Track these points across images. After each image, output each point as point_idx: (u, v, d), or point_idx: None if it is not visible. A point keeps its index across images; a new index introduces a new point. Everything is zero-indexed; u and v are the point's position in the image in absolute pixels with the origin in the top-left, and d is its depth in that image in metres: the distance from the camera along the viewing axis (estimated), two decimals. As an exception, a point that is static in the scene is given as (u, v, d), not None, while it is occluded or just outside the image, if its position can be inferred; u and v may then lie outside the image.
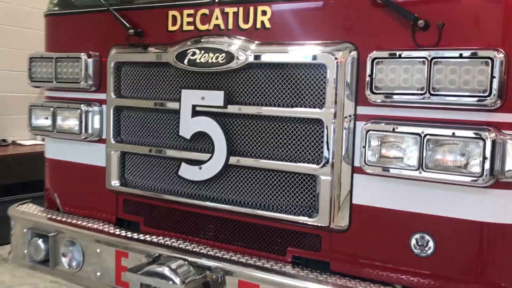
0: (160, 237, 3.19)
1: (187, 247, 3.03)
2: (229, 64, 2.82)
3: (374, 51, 2.43)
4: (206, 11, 2.97)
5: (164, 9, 3.16)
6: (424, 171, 2.34)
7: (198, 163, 3.00)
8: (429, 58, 2.30)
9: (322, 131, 2.62)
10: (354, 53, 2.55)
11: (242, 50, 2.79)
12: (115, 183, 3.39)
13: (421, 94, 2.32)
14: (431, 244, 2.46)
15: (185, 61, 2.96)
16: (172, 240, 3.14)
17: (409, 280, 2.53)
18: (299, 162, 2.71)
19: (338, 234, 2.67)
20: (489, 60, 2.19)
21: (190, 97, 2.99)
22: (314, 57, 2.62)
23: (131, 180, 3.37)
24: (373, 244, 2.61)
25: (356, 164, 2.59)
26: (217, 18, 2.94)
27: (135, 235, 3.24)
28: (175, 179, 3.15)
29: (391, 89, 2.39)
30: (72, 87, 3.49)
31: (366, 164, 2.48)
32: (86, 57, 3.40)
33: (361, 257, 2.64)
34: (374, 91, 2.43)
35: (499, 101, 2.20)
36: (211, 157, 2.95)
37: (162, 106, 3.14)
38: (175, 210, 3.22)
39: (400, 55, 2.37)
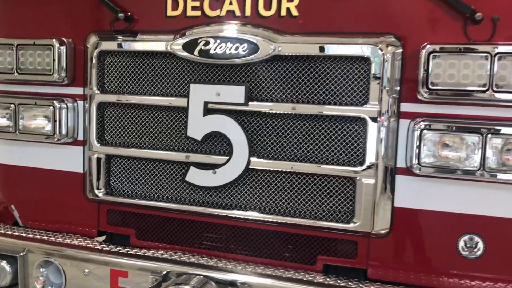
0: (162, 251, 2.81)
1: (200, 262, 2.69)
2: (253, 56, 2.52)
3: (429, 45, 2.28)
4: (216, -6, 2.63)
5: (162, -10, 2.76)
6: (486, 171, 2.24)
7: (212, 167, 2.66)
8: (493, 53, 2.19)
9: (364, 131, 2.42)
10: (399, 47, 2.37)
11: (268, 40, 2.50)
12: (98, 191, 2.93)
13: (484, 91, 2.22)
14: (480, 245, 2.39)
15: (196, 52, 2.60)
16: (178, 253, 2.78)
17: (456, 284, 2.44)
18: (336, 164, 2.49)
19: (377, 240, 2.51)
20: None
21: (201, 93, 2.63)
22: (357, 50, 2.40)
23: (119, 187, 2.94)
24: (416, 248, 2.49)
25: (399, 165, 2.43)
26: (231, 3, 2.61)
27: (134, 251, 2.82)
28: (179, 185, 2.78)
29: (449, 85, 2.26)
30: (40, 79, 2.96)
31: (419, 165, 2.32)
32: (59, 45, 2.88)
33: (402, 262, 2.51)
34: (430, 87, 2.27)
35: None
36: (228, 160, 2.63)
37: (162, 102, 2.74)
38: (177, 219, 2.85)
39: (460, 49, 2.23)
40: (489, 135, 2.22)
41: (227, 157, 2.63)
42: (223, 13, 2.63)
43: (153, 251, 2.82)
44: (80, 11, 2.92)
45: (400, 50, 2.37)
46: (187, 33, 2.64)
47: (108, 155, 2.91)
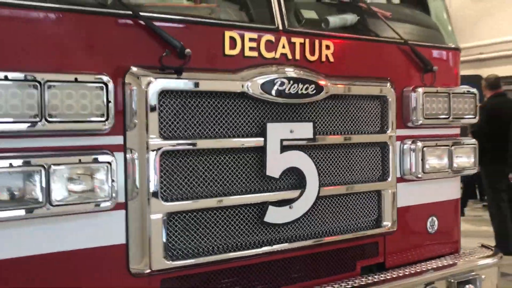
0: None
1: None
2: (318, 96, 2.81)
3: (421, 88, 3.23)
4: (271, 37, 2.75)
5: (219, 28, 2.61)
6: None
7: (289, 202, 2.74)
8: (450, 93, 3.36)
9: (387, 152, 3.14)
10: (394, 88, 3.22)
11: (327, 82, 2.85)
12: (154, 260, 2.39)
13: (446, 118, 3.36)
14: (436, 223, 3.50)
15: (273, 92, 2.65)
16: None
17: (427, 250, 3.44)
18: (373, 181, 3.09)
19: (390, 236, 3.24)
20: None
21: (277, 131, 2.69)
22: (381, 90, 3.10)
23: (181, 248, 2.50)
24: (409, 235, 3.36)
25: (398, 174, 3.27)
26: (284, 47, 2.79)
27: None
28: (254, 228, 2.67)
29: (433, 115, 3.28)
30: (81, 129, 2.18)
31: (423, 172, 3.24)
32: (111, 83, 2.24)
33: (404, 248, 3.33)
34: (425, 117, 3.23)
35: None
36: (302, 193, 2.78)
37: (237, 144, 2.60)
38: (246, 267, 2.69)
39: (437, 91, 3.29)
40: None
41: (300, 190, 2.78)
42: (278, 55, 2.77)
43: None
44: (119, 40, 2.34)
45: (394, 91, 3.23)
46: (258, 73, 2.64)
47: (171, 213, 2.44)
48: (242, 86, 2.59)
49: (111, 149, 2.30)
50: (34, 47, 2.14)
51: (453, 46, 3.60)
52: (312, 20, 3.07)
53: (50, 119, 2.08)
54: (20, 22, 2.12)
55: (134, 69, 2.36)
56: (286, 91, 2.69)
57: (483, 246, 3.76)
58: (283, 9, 2.80)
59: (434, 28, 3.66)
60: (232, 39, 2.63)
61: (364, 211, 3.11)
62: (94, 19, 2.28)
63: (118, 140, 2.34)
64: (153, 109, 2.36)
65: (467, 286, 3.19)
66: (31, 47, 2.13)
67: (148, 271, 2.39)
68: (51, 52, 2.18)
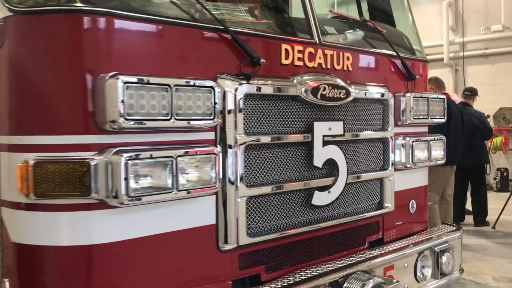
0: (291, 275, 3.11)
1: (337, 266, 3.25)
2: (347, 99, 3.38)
3: (409, 93, 3.94)
4: (312, 50, 3.28)
5: (278, 41, 3.09)
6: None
7: (327, 188, 3.29)
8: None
9: (388, 145, 3.81)
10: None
11: (352, 87, 3.44)
12: (238, 238, 2.83)
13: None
14: (415, 205, 4.24)
15: (318, 95, 3.19)
16: (306, 271, 3.17)
17: (409, 228, 4.17)
18: (381, 170, 3.74)
19: (387, 216, 3.91)
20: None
21: (320, 128, 3.23)
22: (382, 95, 3.75)
23: (254, 228, 2.94)
24: (399, 215, 4.05)
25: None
26: (320, 58, 3.33)
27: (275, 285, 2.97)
28: (303, 209, 3.19)
29: (418, 116, 4.00)
30: (195, 126, 2.56)
31: (412, 163, 3.94)
32: (216, 86, 2.64)
33: (395, 226, 4.02)
34: (413, 117, 3.95)
35: None
36: (336, 180, 3.34)
37: (295, 139, 3.10)
38: (297, 242, 3.20)
39: (421, 96, 4.02)
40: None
41: (335, 177, 3.34)
42: (316, 64, 3.31)
43: (286, 277, 3.07)
44: (209, 53, 2.74)
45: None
46: (307, 80, 3.15)
47: (250, 196, 2.88)
48: (297, 90, 3.10)
49: (212, 144, 2.71)
50: (162, 56, 2.50)
51: (424, 58, 4.38)
52: (333, 35, 3.64)
53: (177, 118, 2.45)
54: (153, 36, 2.48)
55: (224, 75, 2.78)
56: (327, 95, 3.23)
57: (443, 223, 4.60)
58: (318, 26, 3.34)
59: (408, 42, 4.41)
60: (286, 51, 3.12)
61: (372, 195, 3.75)
62: (198, 32, 2.68)
63: (217, 135, 2.75)
64: (240, 110, 2.80)
65: (445, 253, 3.95)
66: (160, 56, 2.49)
67: (235, 246, 2.82)
68: (171, 60, 2.55)
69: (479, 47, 14.77)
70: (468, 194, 9.57)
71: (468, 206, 9.64)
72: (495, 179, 14.16)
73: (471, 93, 9.28)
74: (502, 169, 14.08)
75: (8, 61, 2.35)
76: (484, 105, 11.89)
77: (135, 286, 2.47)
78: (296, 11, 3.76)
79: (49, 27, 2.30)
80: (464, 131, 7.99)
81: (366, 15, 4.44)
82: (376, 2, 4.73)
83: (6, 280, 2.41)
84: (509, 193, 9.83)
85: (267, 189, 2.97)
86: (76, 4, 2.31)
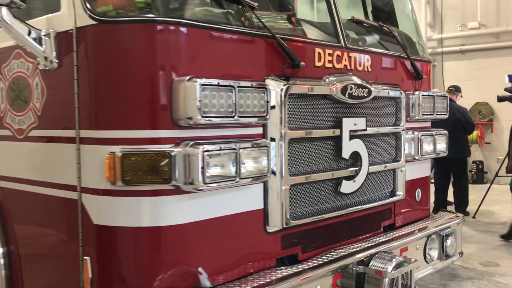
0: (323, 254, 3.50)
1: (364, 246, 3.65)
2: (369, 97, 3.76)
3: (418, 91, 4.34)
4: (339, 53, 3.64)
5: (312, 46, 3.44)
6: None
7: (352, 177, 3.67)
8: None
9: (400, 139, 4.20)
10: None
11: (372, 87, 3.82)
12: (283, 221, 3.19)
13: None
14: (420, 194, 4.65)
15: (346, 94, 3.56)
16: (336, 252, 3.55)
17: (416, 214, 4.59)
18: (395, 162, 4.14)
19: (398, 203, 4.32)
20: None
21: (348, 124, 3.60)
22: (396, 93, 4.14)
23: (295, 212, 3.31)
24: (407, 202, 4.46)
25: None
26: (345, 60, 3.70)
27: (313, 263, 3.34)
28: (333, 196, 3.56)
29: (425, 112, 4.41)
30: (252, 122, 2.91)
31: (421, 155, 4.35)
32: (268, 87, 2.99)
33: (405, 211, 4.43)
34: (422, 114, 4.35)
35: None
36: (359, 170, 3.72)
37: (328, 134, 3.48)
38: (327, 226, 3.57)
39: (428, 94, 4.43)
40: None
41: (358, 168, 3.72)
42: (342, 66, 3.68)
43: (322, 255, 3.44)
44: (259, 57, 3.08)
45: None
46: (335, 80, 3.51)
47: (292, 184, 3.24)
48: (330, 90, 3.46)
49: (261, 137, 3.06)
50: (221, 60, 2.84)
51: (428, 59, 4.79)
52: (355, 39, 4.01)
53: (240, 115, 2.79)
54: (214, 41, 2.82)
55: (271, 76, 3.12)
56: (354, 93, 3.60)
57: (441, 210, 5.04)
58: (344, 31, 3.71)
59: (414, 43, 4.81)
60: (319, 54, 3.48)
61: (387, 184, 4.14)
62: (250, 39, 3.02)
63: (265, 130, 3.10)
64: (285, 107, 3.15)
65: (449, 237, 4.39)
66: (219, 59, 2.83)
67: (280, 228, 3.17)
68: (229, 63, 2.89)
69: (456, 43, 15.35)
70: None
71: (450, 197, 10.17)
72: (470, 171, 14.78)
73: (455, 89, 9.81)
74: (477, 162, 14.72)
75: (92, 65, 2.64)
76: (461, 100, 12.51)
77: (200, 263, 2.81)
78: (300, 14, 4.17)
79: (133, 35, 2.60)
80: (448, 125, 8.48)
81: (370, 17, 4.83)
82: (381, 4, 5.12)
83: (87, 258, 2.72)
84: (483, 185, 10.35)
85: (306, 178, 3.33)
86: (166, 19, 2.66)
